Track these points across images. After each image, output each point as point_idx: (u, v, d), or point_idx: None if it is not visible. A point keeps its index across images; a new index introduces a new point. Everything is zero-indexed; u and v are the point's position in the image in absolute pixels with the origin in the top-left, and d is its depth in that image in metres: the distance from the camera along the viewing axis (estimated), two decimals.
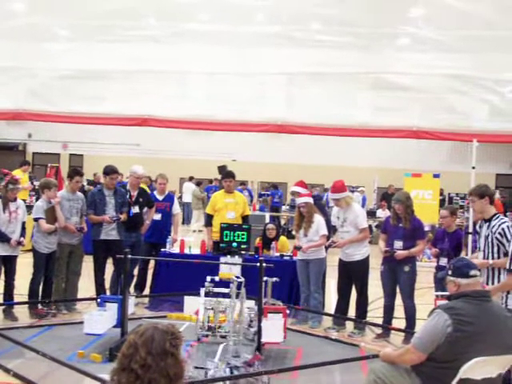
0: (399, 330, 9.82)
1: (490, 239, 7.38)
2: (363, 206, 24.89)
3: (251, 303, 9.12)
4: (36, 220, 10.46)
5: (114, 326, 8.76)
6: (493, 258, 7.30)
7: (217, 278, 8.69)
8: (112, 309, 8.79)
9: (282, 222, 26.42)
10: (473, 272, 5.41)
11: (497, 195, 26.62)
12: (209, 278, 8.58)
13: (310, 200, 10.98)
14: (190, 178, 30.56)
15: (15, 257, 10.23)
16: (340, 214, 10.60)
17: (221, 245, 11.38)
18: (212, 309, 8.06)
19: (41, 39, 12.39)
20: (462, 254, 9.25)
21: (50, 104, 12.83)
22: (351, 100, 12.33)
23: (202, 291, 8.29)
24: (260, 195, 30.24)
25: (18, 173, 17.66)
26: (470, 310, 5.19)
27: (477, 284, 5.43)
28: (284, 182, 33.02)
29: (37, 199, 14.06)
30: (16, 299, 10.43)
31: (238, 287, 8.35)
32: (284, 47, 12.07)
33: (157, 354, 3.00)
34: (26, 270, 10.60)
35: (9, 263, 10.14)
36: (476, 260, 7.09)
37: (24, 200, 15.46)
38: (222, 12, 12.36)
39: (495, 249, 7.30)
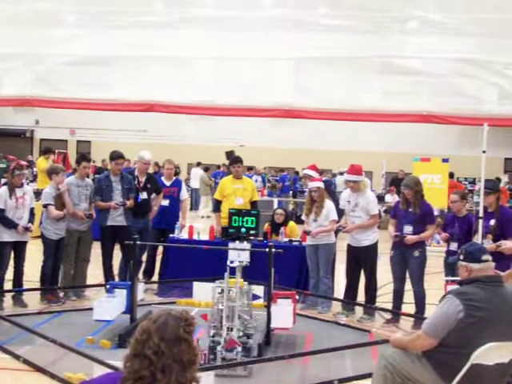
0: (409, 315, 9.80)
1: None
2: None
3: (260, 288, 9.15)
4: (45, 206, 10.45)
5: (123, 313, 8.77)
6: None
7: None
8: (121, 295, 8.79)
9: (290, 207, 26.34)
10: (485, 257, 5.38)
11: (506, 179, 26.57)
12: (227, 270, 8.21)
13: (322, 185, 10.96)
14: (198, 164, 30.53)
15: (25, 243, 10.23)
16: (351, 198, 10.53)
17: (229, 230, 11.33)
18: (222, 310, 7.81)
19: (48, 25, 12.33)
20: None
21: (58, 90, 12.79)
22: (359, 84, 12.24)
23: (214, 290, 8.05)
24: (269, 180, 30.22)
25: (42, 161, 17.65)
26: (481, 295, 5.16)
27: (489, 269, 5.40)
28: (292, 167, 32.97)
29: None
30: (25, 286, 10.45)
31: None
32: (291, 31, 11.99)
33: (170, 340, 2.99)
34: (34, 257, 10.61)
35: (18, 249, 10.15)
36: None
37: None
38: None
39: None
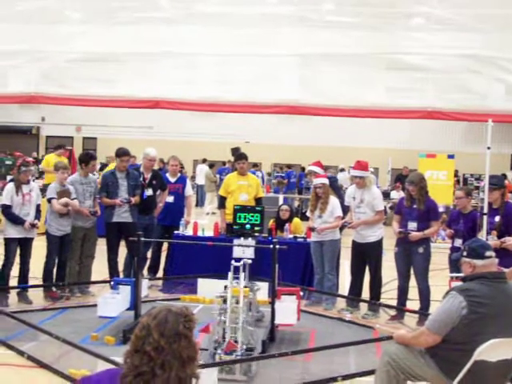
0: (413, 311, 9.79)
1: None
2: None
3: (264, 285, 9.12)
4: (49, 201, 10.47)
5: (128, 309, 8.77)
6: None
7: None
8: (125, 291, 8.79)
9: (296, 203, 26.33)
10: (488, 253, 5.36)
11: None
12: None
13: (327, 181, 10.94)
14: (204, 161, 30.52)
15: (31, 239, 10.24)
16: (357, 194, 10.51)
17: (234, 227, 11.35)
18: (225, 322, 7.49)
19: (53, 22, 12.33)
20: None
21: (64, 87, 12.81)
22: (365, 81, 12.23)
23: (216, 303, 7.76)
24: (275, 177, 30.18)
25: (51, 157, 17.68)
26: (485, 291, 5.15)
27: (492, 265, 5.38)
28: (298, 163, 32.96)
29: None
30: (30, 282, 10.46)
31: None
32: (296, 28, 11.98)
33: (170, 336, 2.98)
34: (40, 254, 10.62)
35: (24, 246, 10.16)
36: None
37: None
38: None
39: None
